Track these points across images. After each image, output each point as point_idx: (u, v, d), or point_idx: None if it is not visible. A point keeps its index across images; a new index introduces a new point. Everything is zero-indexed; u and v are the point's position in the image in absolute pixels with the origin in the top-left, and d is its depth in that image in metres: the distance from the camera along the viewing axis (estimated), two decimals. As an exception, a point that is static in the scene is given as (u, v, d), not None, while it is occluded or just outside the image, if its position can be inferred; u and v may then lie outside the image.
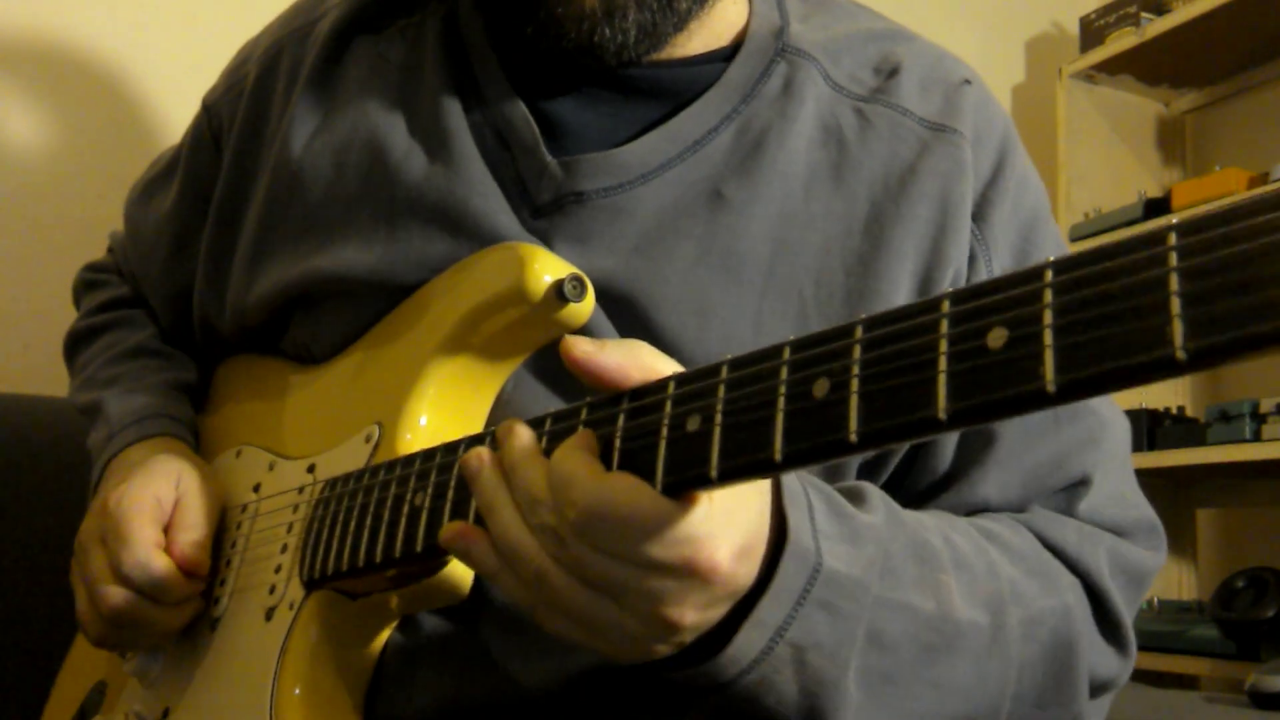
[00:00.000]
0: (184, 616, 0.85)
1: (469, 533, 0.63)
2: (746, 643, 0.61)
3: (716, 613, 0.60)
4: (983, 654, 0.70)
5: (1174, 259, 0.39)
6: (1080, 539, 0.80)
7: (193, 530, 0.85)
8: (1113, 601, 0.79)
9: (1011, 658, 0.72)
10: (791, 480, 0.63)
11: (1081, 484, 0.82)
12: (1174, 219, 0.40)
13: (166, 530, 0.85)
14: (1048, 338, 0.42)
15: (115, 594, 0.83)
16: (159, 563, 0.82)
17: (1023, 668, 0.73)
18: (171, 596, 0.83)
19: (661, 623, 0.58)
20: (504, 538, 0.61)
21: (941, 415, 0.44)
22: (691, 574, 0.57)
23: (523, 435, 0.62)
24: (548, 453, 0.60)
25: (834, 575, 0.62)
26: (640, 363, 0.60)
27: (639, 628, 0.59)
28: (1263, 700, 1.52)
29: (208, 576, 0.86)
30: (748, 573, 0.60)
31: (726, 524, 0.58)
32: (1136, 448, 2.25)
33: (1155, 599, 2.37)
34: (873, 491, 0.70)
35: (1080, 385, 0.41)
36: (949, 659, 0.68)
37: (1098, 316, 0.41)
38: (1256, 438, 2.12)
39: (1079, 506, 0.81)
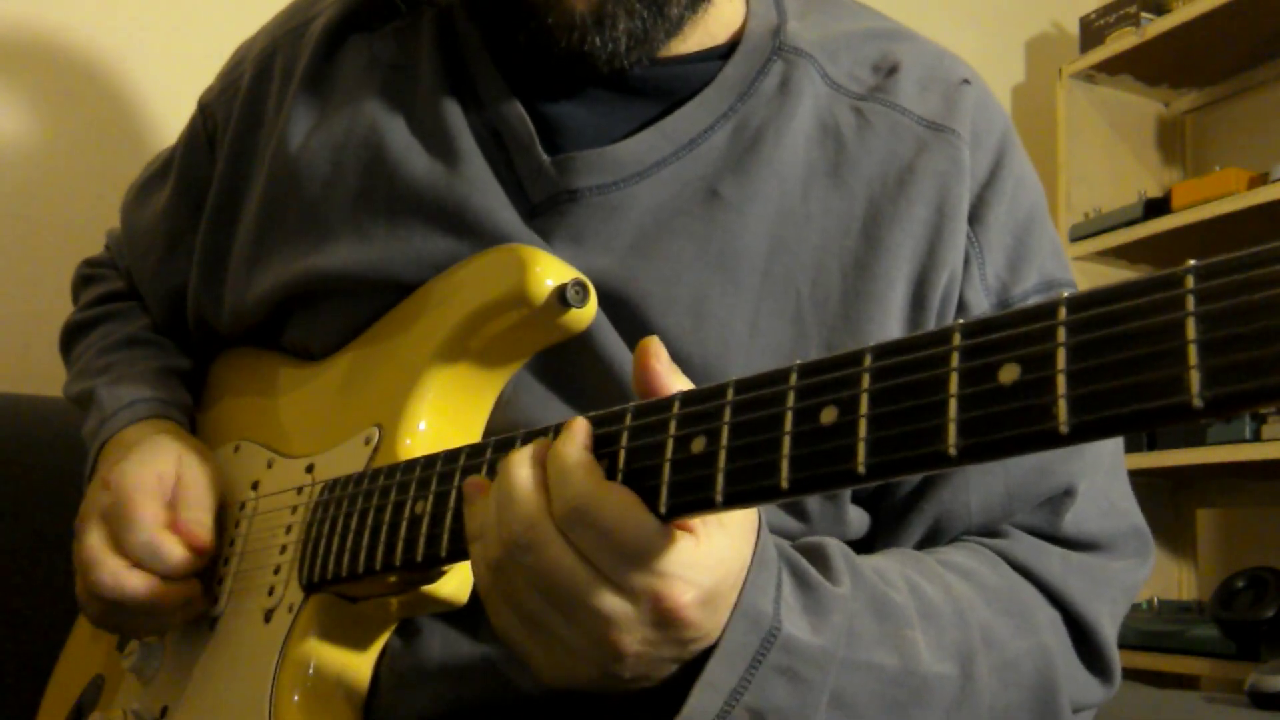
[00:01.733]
0: (183, 597, 0.84)
1: (484, 489, 0.63)
2: (700, 704, 0.61)
3: (662, 654, 0.60)
4: (952, 705, 0.70)
5: (1191, 303, 0.39)
6: (1065, 569, 0.79)
7: (196, 507, 0.85)
8: (1097, 632, 0.79)
9: (983, 706, 0.71)
10: (768, 545, 0.63)
11: (1066, 495, 0.81)
12: (1192, 261, 0.39)
13: (170, 506, 0.85)
14: (1061, 379, 0.41)
15: (114, 572, 0.82)
16: (166, 542, 0.83)
17: (1000, 714, 0.73)
18: (178, 572, 0.83)
19: (604, 645, 0.58)
20: (478, 518, 0.61)
21: (952, 451, 0.44)
22: (652, 608, 0.57)
23: (521, 451, 0.62)
24: None
25: (793, 643, 0.63)
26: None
27: (580, 643, 0.59)
28: (1263, 700, 1.52)
29: (213, 552, 0.86)
30: (707, 628, 0.60)
31: (703, 567, 0.58)
32: (1136, 448, 2.25)
33: (1155, 599, 2.37)
34: (835, 552, 0.70)
35: (1094, 428, 0.40)
36: (916, 714, 0.68)
37: (1113, 361, 0.40)
38: (1256, 438, 2.12)
39: (1064, 519, 0.81)
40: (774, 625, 0.62)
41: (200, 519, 0.85)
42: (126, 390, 0.97)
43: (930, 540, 0.82)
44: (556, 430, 0.62)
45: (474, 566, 0.63)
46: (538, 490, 0.59)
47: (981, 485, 0.80)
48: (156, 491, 0.85)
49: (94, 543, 0.84)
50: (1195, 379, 0.38)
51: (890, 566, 0.74)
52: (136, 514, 0.83)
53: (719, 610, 0.60)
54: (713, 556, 0.59)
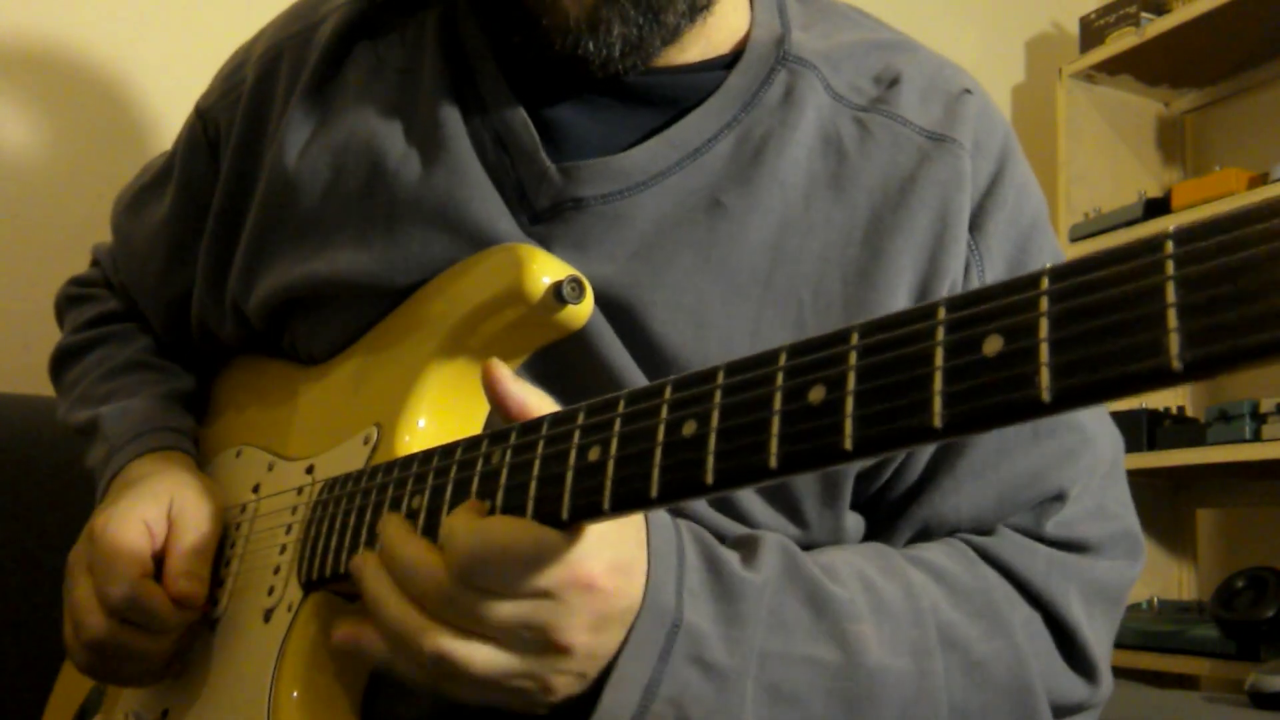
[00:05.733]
0: (170, 645, 0.84)
1: (357, 631, 0.68)
2: (615, 703, 0.63)
3: (608, 636, 0.63)
4: (908, 701, 0.71)
5: (1170, 267, 0.39)
6: (1049, 568, 0.80)
7: (188, 559, 0.84)
8: (1079, 632, 0.79)
9: (942, 703, 0.72)
10: (665, 538, 0.66)
11: (1056, 499, 0.81)
12: (1171, 226, 0.39)
13: (163, 553, 0.85)
14: (1044, 347, 0.42)
15: (99, 625, 0.82)
16: (148, 595, 0.81)
17: (974, 713, 0.74)
18: (164, 627, 0.82)
19: (554, 650, 0.62)
20: (392, 625, 0.64)
21: (937, 424, 0.44)
22: (572, 591, 0.60)
23: (393, 521, 0.67)
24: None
25: (698, 631, 0.65)
26: (541, 407, 0.65)
27: (537, 665, 0.62)
28: (1263, 700, 1.52)
29: (204, 606, 0.85)
30: (630, 591, 0.63)
31: (600, 545, 0.62)
32: (1136, 448, 2.25)
33: (1155, 599, 2.37)
34: (768, 545, 0.72)
35: (1076, 394, 0.41)
36: (869, 708, 0.69)
37: (1094, 327, 0.40)
38: (1256, 438, 2.12)
39: (1050, 522, 0.81)
40: (677, 616, 0.65)
41: (189, 570, 0.84)
42: (131, 419, 0.96)
43: (920, 539, 0.82)
44: (464, 446, 0.67)
45: (408, 677, 0.65)
46: (432, 553, 0.63)
47: (973, 490, 0.81)
48: (140, 541, 0.83)
49: (83, 594, 0.84)
50: (1175, 342, 0.38)
51: (844, 562, 0.75)
52: (118, 567, 0.82)
53: (634, 576, 0.64)
54: (609, 535, 0.62)
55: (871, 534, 0.83)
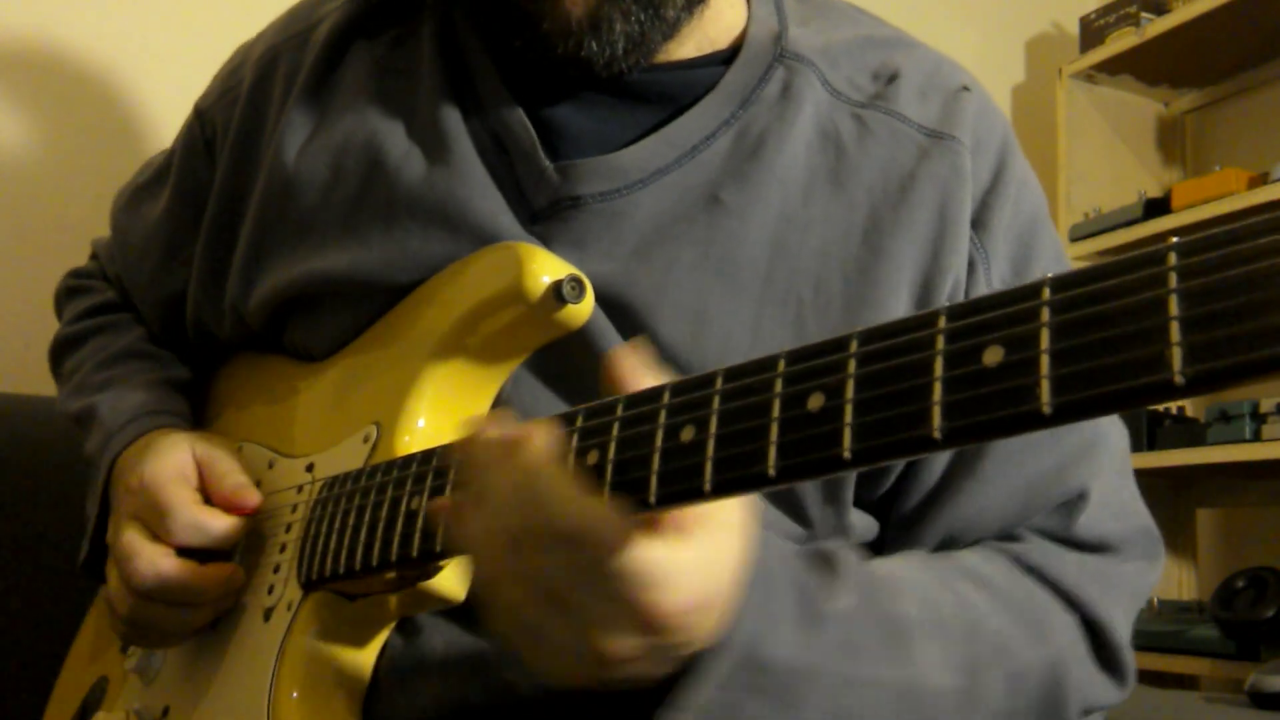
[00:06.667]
0: (223, 576, 0.84)
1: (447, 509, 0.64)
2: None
3: (654, 659, 0.58)
4: (955, 717, 0.70)
5: (1174, 280, 0.39)
6: (1080, 572, 0.79)
7: (228, 475, 0.86)
8: (1113, 633, 0.79)
9: (985, 716, 0.72)
10: (768, 561, 0.62)
11: (1080, 498, 0.81)
12: (1173, 238, 0.39)
13: (204, 489, 0.86)
14: (1045, 359, 0.41)
15: (155, 559, 0.82)
16: (207, 516, 0.83)
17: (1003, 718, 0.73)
18: (227, 542, 0.84)
19: (590, 649, 0.56)
20: (467, 539, 0.60)
21: (937, 435, 0.44)
22: (634, 614, 0.55)
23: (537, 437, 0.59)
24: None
25: (773, 662, 0.62)
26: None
27: (572, 643, 0.57)
28: (1263, 700, 1.52)
29: (259, 508, 0.86)
30: (701, 630, 0.58)
31: (690, 572, 0.56)
32: (1136, 448, 2.25)
33: (1155, 599, 2.37)
34: (846, 564, 0.69)
35: (1077, 408, 0.40)
36: None
37: (1096, 339, 0.40)
38: (1256, 438, 2.12)
39: (1077, 522, 0.81)
40: (751, 647, 0.61)
41: (235, 482, 0.85)
42: (128, 405, 0.96)
43: (946, 547, 0.82)
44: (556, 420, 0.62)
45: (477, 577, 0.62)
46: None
47: (998, 490, 0.80)
48: (182, 480, 0.85)
49: (130, 538, 0.84)
50: (1177, 356, 0.38)
51: (905, 576, 0.73)
52: (171, 500, 0.83)
53: (707, 614, 0.58)
54: (698, 560, 0.56)
55: (893, 537, 0.83)
